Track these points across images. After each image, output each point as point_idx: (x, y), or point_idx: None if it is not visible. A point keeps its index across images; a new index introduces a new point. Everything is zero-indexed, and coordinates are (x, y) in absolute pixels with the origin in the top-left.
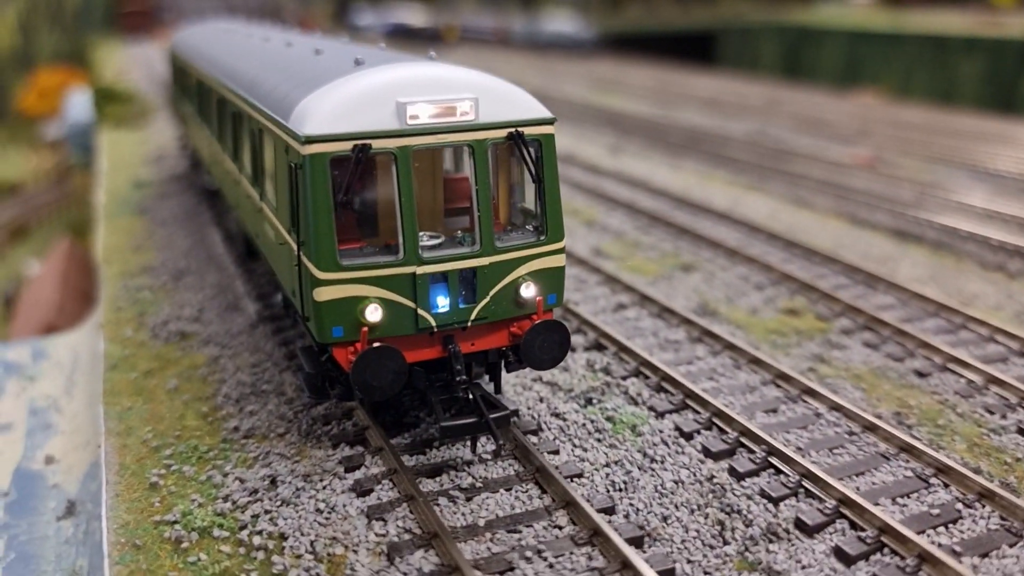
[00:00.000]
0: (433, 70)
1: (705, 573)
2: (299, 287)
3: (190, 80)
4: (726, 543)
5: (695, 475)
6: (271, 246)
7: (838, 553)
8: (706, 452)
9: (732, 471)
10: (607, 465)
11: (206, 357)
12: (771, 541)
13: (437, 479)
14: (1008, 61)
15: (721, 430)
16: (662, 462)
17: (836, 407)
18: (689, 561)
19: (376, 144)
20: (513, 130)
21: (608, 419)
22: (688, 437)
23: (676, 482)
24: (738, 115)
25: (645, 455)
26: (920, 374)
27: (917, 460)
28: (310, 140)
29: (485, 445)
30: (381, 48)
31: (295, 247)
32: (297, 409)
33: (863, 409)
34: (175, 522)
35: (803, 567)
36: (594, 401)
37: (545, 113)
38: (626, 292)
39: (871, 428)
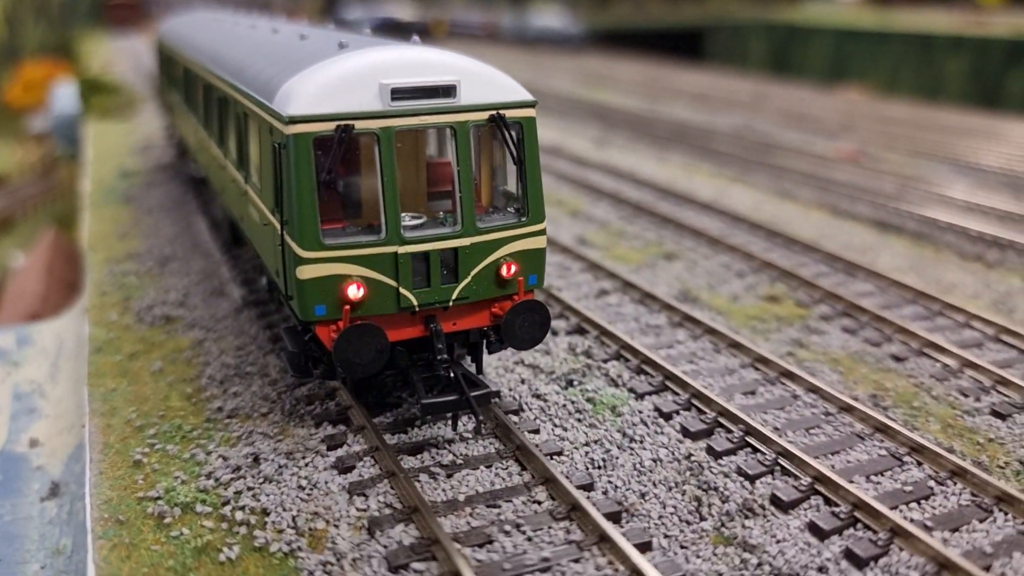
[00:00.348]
0: (416, 53)
1: (682, 547)
2: (282, 266)
3: (177, 69)
4: (703, 519)
5: (673, 454)
6: (256, 228)
7: (812, 528)
8: (684, 432)
9: (710, 450)
10: (587, 444)
11: (191, 340)
12: (747, 517)
13: (418, 456)
14: (993, 59)
15: (700, 411)
16: (641, 441)
17: (813, 389)
18: (666, 536)
19: (359, 125)
20: (495, 112)
21: (588, 400)
22: (667, 417)
23: (654, 460)
24: (725, 110)
25: (624, 435)
26: (897, 358)
27: (892, 440)
28: (294, 120)
29: (466, 424)
30: (366, 34)
31: (279, 227)
32: (281, 390)
33: (840, 391)
34: (158, 498)
35: (778, 541)
36: (575, 383)
37: (527, 96)
38: (609, 279)
39: (847, 409)
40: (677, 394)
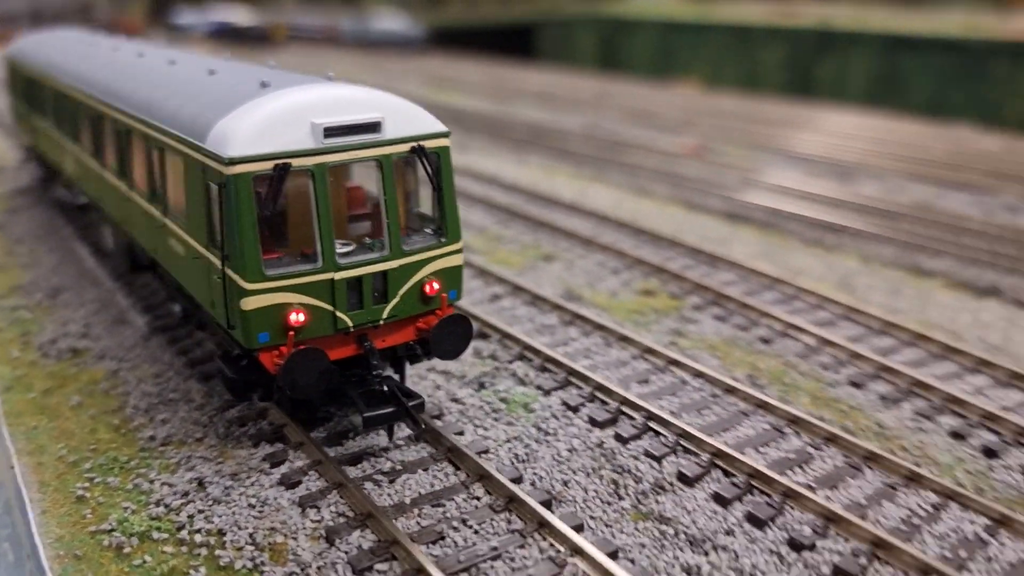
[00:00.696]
0: (341, 91)
1: (607, 526)
2: (223, 298)
3: (44, 93)
4: (621, 499)
5: (585, 443)
6: (179, 260)
7: (716, 498)
8: (592, 422)
9: (618, 437)
10: (508, 441)
11: (105, 371)
12: (659, 493)
13: (359, 466)
14: (805, 49)
15: (603, 402)
16: (555, 434)
17: (699, 374)
18: (592, 517)
19: (295, 163)
20: (416, 144)
21: (502, 400)
22: (575, 410)
23: (570, 450)
24: (571, 109)
25: (539, 429)
26: (765, 341)
27: (771, 414)
28: (233, 161)
29: (397, 432)
30: (272, 66)
31: (218, 261)
32: (210, 413)
33: (721, 374)
34: (112, 530)
35: (688, 512)
36: (486, 385)
37: (442, 128)
38: (498, 283)
39: (730, 390)
40: (580, 388)
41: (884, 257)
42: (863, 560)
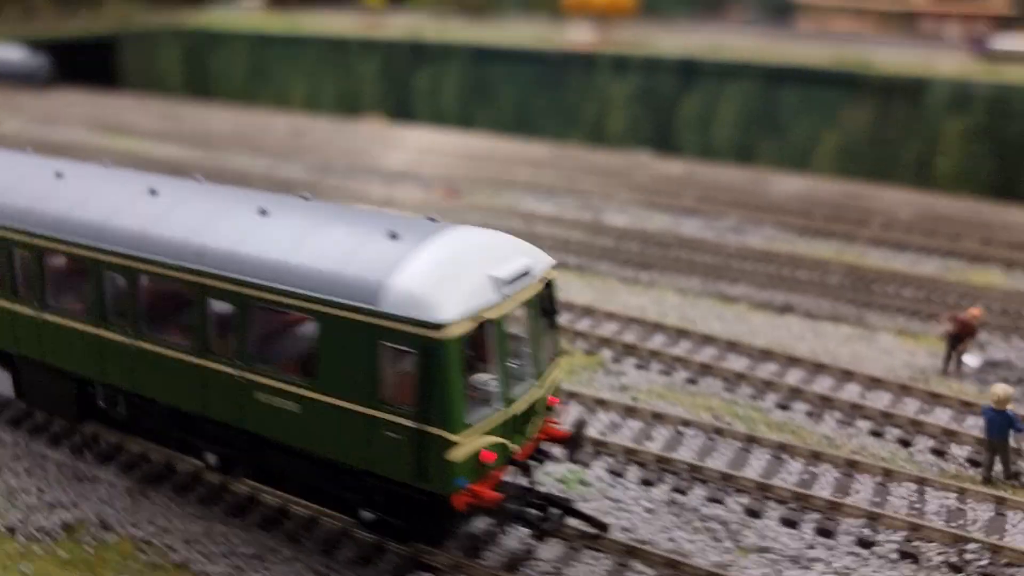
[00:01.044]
0: (487, 238)
1: (725, 567)
2: (412, 453)
3: None
4: (720, 541)
5: (651, 501)
6: (278, 416)
7: (784, 522)
8: (646, 483)
9: (676, 490)
10: (604, 515)
11: (131, 542)
12: (743, 529)
13: (522, 572)
14: (400, 61)
15: (639, 464)
16: (624, 501)
17: (686, 423)
18: (711, 561)
19: (487, 315)
20: (547, 281)
21: (559, 480)
22: (621, 475)
23: (649, 512)
24: (283, 155)
25: (610, 499)
26: (692, 382)
27: (761, 446)
28: (446, 326)
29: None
30: (307, 197)
31: (402, 419)
32: (318, 561)
33: (702, 419)
34: None
35: (771, 539)
36: (530, 470)
37: (552, 260)
38: None
39: (719, 432)
40: (612, 455)
41: (694, 288)
42: (915, 543)
